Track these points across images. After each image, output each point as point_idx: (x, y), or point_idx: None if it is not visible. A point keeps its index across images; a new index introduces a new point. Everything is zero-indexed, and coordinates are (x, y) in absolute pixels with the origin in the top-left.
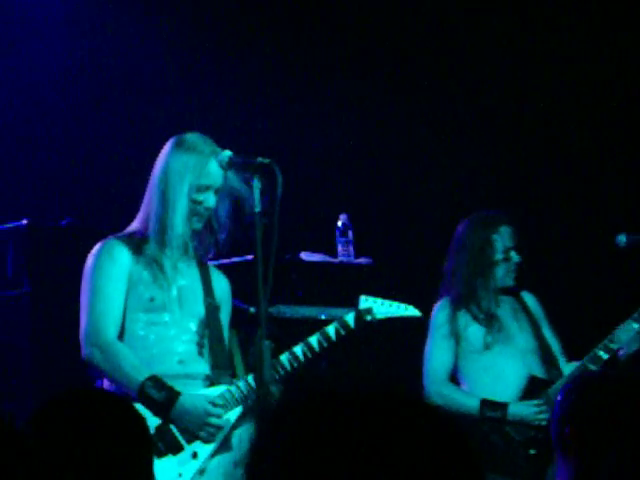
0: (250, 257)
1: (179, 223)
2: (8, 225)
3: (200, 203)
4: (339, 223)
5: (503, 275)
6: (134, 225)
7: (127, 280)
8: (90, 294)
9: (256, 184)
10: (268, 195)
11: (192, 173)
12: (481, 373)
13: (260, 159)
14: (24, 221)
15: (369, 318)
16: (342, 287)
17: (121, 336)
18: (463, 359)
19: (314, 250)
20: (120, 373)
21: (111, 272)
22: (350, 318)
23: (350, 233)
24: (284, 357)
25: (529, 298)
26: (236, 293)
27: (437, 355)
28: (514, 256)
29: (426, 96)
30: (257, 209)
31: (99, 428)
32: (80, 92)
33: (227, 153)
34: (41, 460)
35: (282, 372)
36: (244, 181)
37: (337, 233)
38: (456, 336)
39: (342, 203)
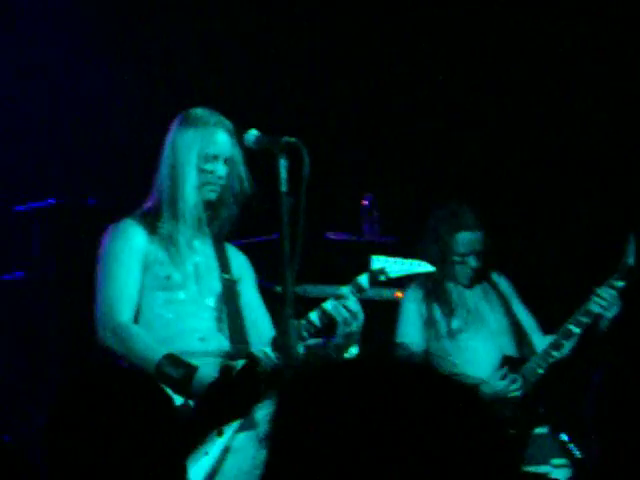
0: (276, 236)
1: (190, 193)
2: (35, 204)
3: (210, 172)
4: (364, 203)
5: (458, 275)
6: (147, 203)
7: (142, 260)
8: (103, 277)
9: (282, 163)
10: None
11: (199, 144)
12: (453, 356)
13: (286, 138)
14: (51, 200)
15: (383, 278)
16: (368, 266)
17: (140, 316)
18: (434, 342)
19: (340, 230)
20: (135, 355)
21: (125, 254)
22: (364, 280)
23: (375, 213)
24: (301, 323)
25: (498, 278)
26: (262, 272)
27: (409, 340)
28: (471, 261)
29: (453, 77)
30: (283, 188)
31: (122, 406)
32: (107, 71)
33: (253, 132)
34: (67, 442)
35: (301, 340)
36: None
37: (362, 213)
38: (426, 320)
39: (367, 183)
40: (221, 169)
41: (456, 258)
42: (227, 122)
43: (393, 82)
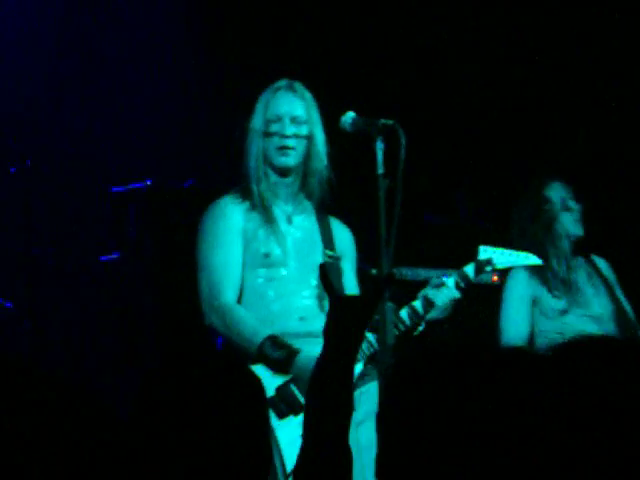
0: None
1: (254, 161)
2: (131, 185)
3: (275, 134)
4: (461, 185)
5: (570, 226)
6: (243, 181)
7: (242, 238)
8: (205, 257)
9: (379, 145)
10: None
11: (262, 109)
12: (557, 338)
13: (383, 120)
14: (147, 181)
15: (489, 269)
16: (465, 248)
17: (242, 294)
18: (538, 323)
19: (436, 211)
20: (239, 337)
21: (224, 232)
22: (470, 269)
23: (471, 195)
24: (404, 312)
25: (601, 263)
26: (357, 254)
27: (513, 321)
28: (573, 205)
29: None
30: (380, 171)
31: (213, 389)
32: (198, 53)
33: (350, 114)
34: (155, 423)
35: (402, 328)
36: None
37: (459, 195)
38: (531, 301)
39: (465, 165)
40: (287, 128)
41: (559, 206)
42: (296, 84)
43: (485, 70)
